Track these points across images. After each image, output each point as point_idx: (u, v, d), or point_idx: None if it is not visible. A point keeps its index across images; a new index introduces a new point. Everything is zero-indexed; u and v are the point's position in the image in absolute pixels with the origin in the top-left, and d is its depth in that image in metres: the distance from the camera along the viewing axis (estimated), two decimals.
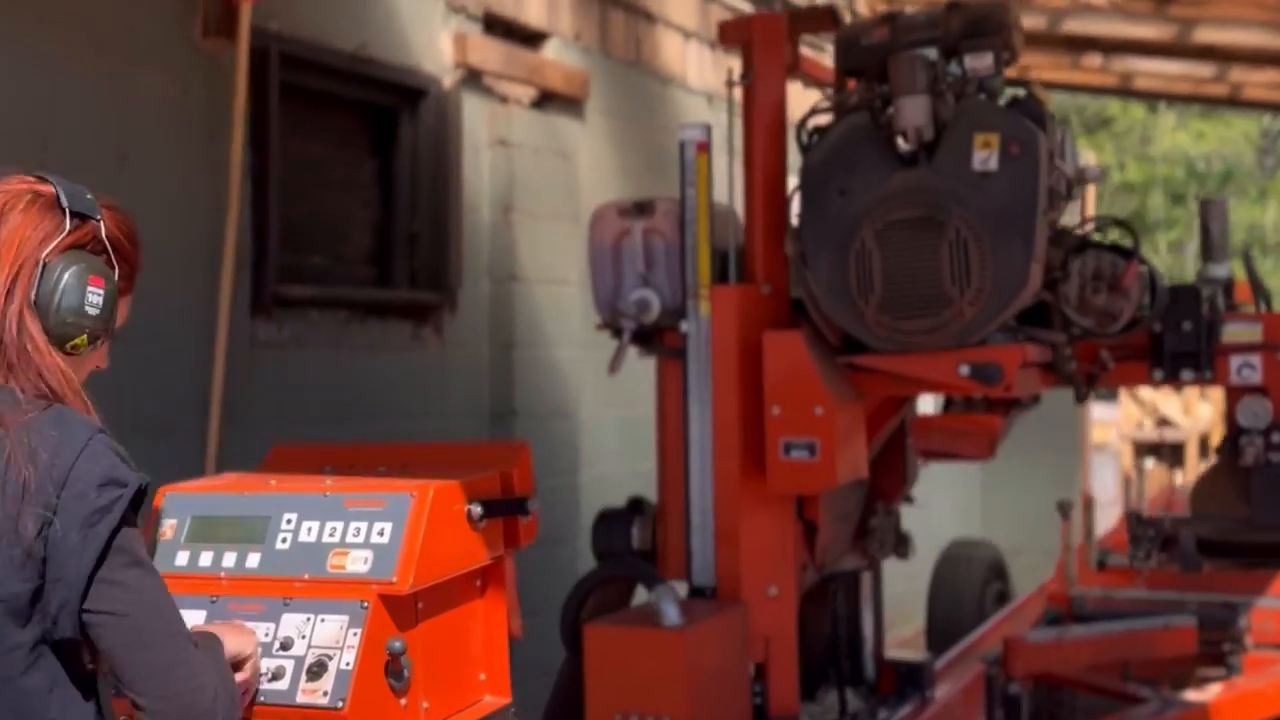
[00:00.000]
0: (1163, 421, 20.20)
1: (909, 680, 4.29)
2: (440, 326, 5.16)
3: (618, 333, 3.86)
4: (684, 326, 3.72)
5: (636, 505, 4.04)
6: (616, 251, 3.87)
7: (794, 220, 3.65)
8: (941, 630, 7.36)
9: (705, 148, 3.69)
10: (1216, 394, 20.64)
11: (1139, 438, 18.67)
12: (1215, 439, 20.55)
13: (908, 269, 3.35)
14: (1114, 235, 3.70)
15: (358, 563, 2.11)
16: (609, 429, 5.92)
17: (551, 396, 5.60)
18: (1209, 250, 3.96)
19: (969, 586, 7.49)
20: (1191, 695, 4.74)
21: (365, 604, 2.07)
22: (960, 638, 7.35)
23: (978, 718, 4.50)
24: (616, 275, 3.86)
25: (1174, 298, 3.62)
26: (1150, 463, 19.96)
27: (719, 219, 3.77)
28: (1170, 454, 20.33)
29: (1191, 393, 20.07)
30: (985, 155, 3.31)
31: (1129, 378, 3.73)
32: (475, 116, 5.34)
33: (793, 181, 3.69)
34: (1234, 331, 3.65)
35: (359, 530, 2.14)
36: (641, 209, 3.84)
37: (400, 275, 5.10)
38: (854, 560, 4.08)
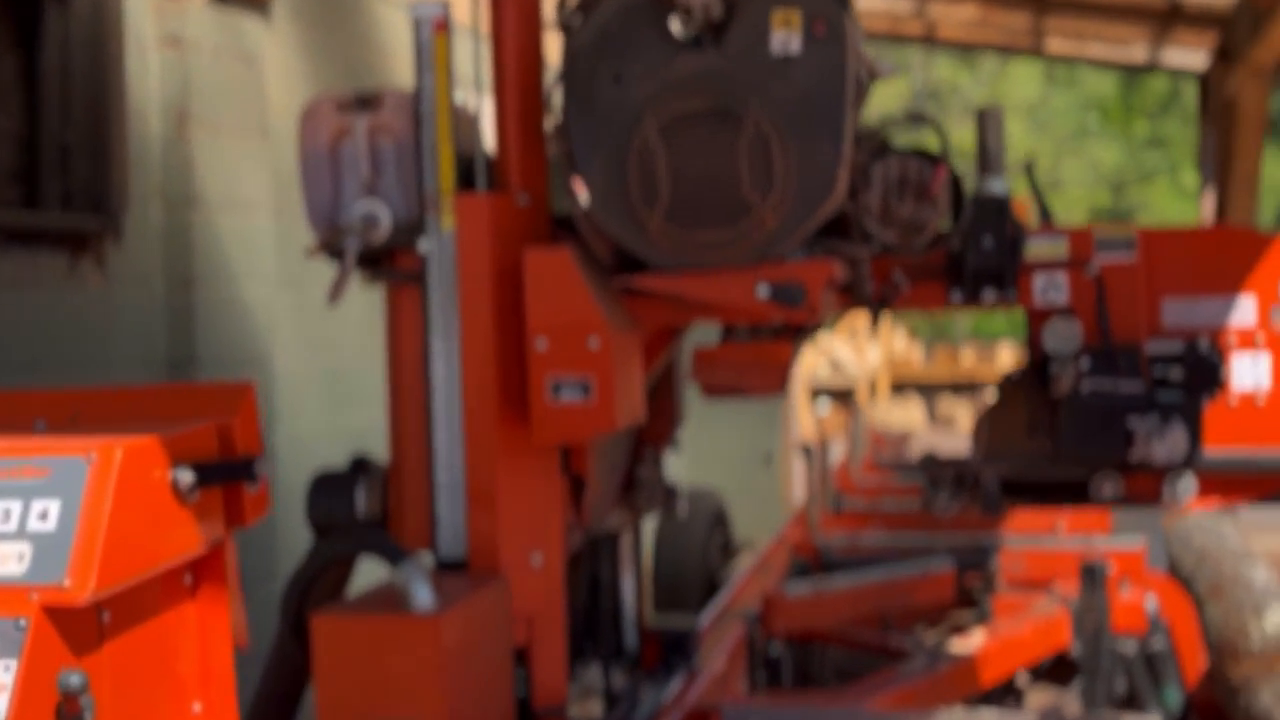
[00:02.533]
0: (835, 365, 20.75)
1: (674, 650, 3.79)
2: (102, 258, 4.28)
3: (337, 255, 3.17)
4: (422, 245, 3.06)
5: (361, 465, 3.37)
6: (335, 155, 3.16)
7: (557, 116, 3.04)
8: (669, 587, 6.97)
9: (444, 27, 3.03)
10: (885, 332, 21.33)
11: (815, 382, 19.07)
12: (884, 383, 21.32)
13: (699, 171, 2.81)
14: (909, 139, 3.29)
15: (9, 562, 1.42)
16: (309, 380, 5.17)
17: (240, 342, 4.80)
18: (985, 162, 3.59)
19: (694, 538, 7.12)
20: (955, 646, 4.48)
21: (22, 622, 1.41)
22: (687, 594, 6.98)
23: (744, 682, 4.09)
24: (335, 184, 3.16)
25: (976, 210, 3.22)
26: (827, 405, 20.53)
27: (463, 119, 3.12)
28: (843, 398, 20.91)
29: (862, 334, 20.66)
30: (785, 36, 2.80)
31: (925, 300, 3.33)
32: (140, 8, 4.45)
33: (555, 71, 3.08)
34: (1038, 248, 3.30)
35: (8, 514, 1.45)
36: (365, 102, 3.14)
37: (51, 196, 4.19)
38: (619, 517, 3.54)
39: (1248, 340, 3.25)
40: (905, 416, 19.95)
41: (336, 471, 3.36)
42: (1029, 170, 3.71)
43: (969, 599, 5.04)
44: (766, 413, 11.43)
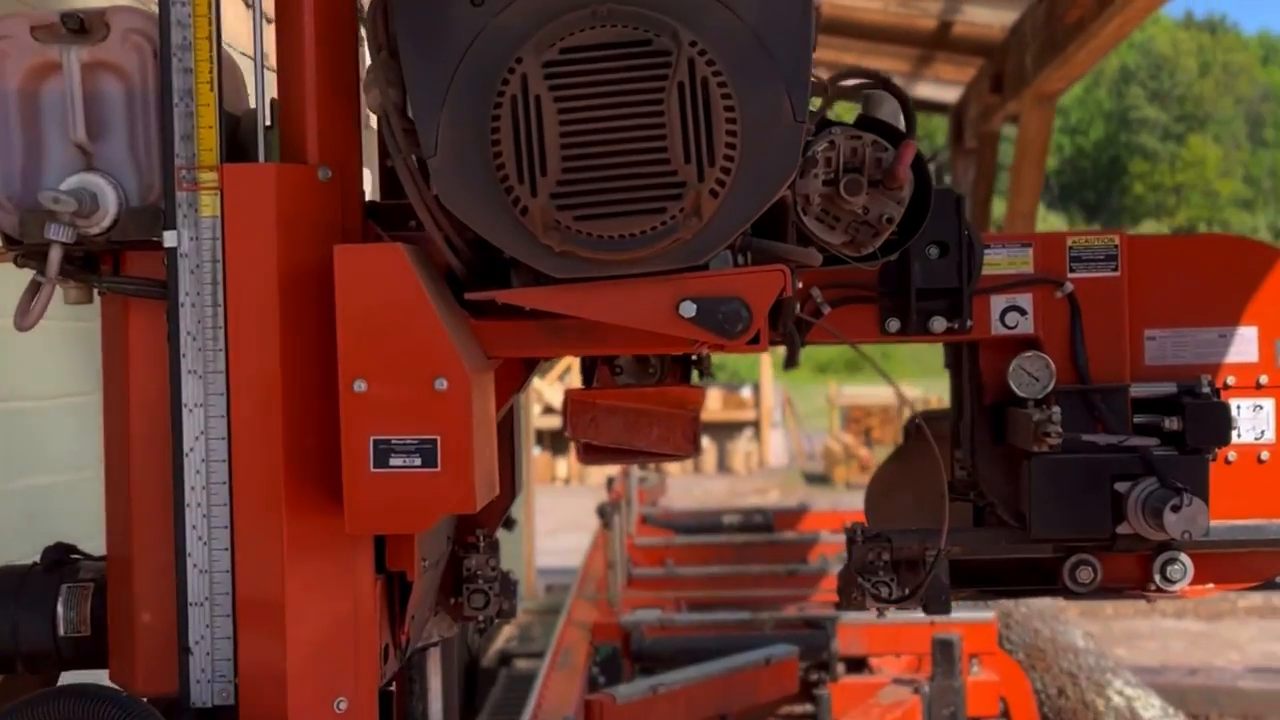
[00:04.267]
0: (548, 409, 20.05)
1: None
2: None
3: (31, 256, 2.11)
4: (169, 239, 2.05)
5: (61, 560, 2.31)
6: (30, 102, 2.11)
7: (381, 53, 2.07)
8: None
9: None
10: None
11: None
12: None
13: (604, 132, 1.91)
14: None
15: None
16: None
17: None
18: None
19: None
20: None
21: None
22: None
23: None
24: (31, 146, 2.11)
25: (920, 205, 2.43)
26: (536, 449, 19.80)
27: (229, 68, 2.14)
28: (552, 441, 20.23)
29: (574, 378, 20.04)
30: None
31: (851, 329, 2.52)
32: None
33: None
34: (994, 260, 2.55)
35: None
36: (79, 25, 2.10)
37: None
38: (442, 626, 2.57)
39: (1248, 381, 2.58)
40: None
41: (19, 570, 2.29)
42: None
43: (808, 688, 4.30)
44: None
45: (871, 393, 23.37)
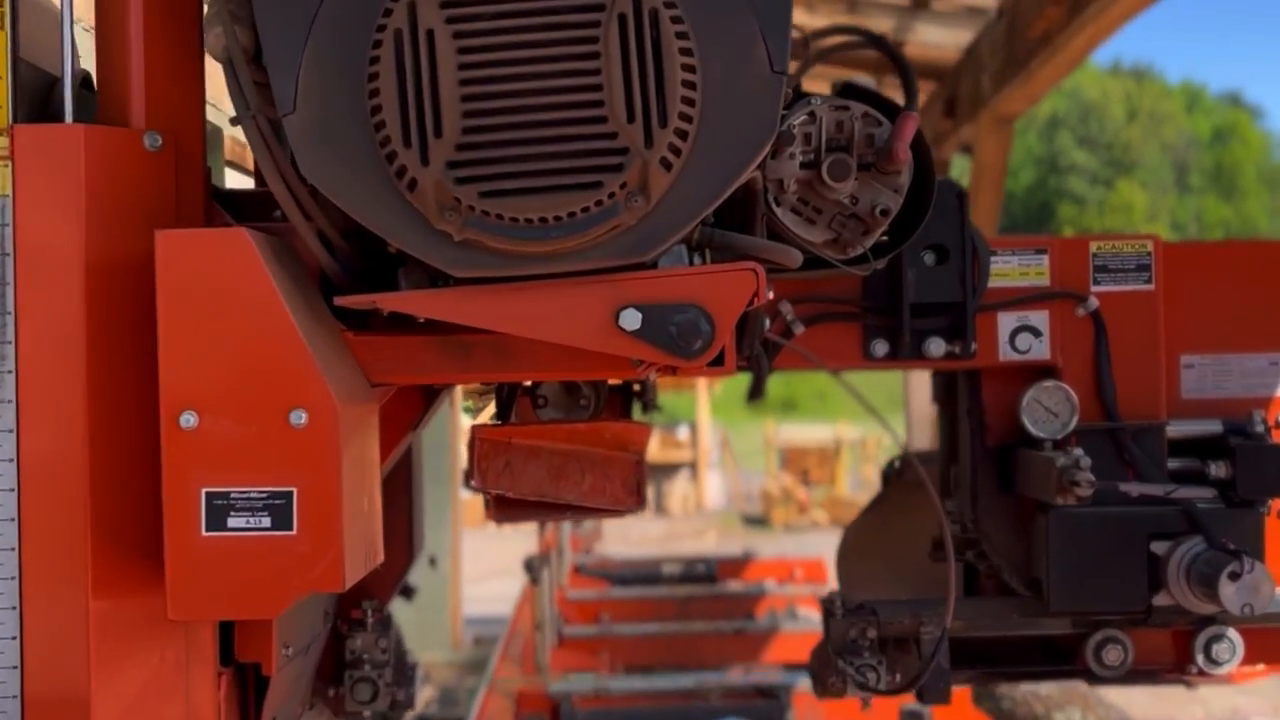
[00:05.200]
0: None
1: None
2: None
3: None
4: None
5: None
6: None
7: None
8: None
9: None
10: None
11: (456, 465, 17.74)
12: None
13: (522, 78, 1.42)
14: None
15: None
16: None
17: None
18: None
19: None
20: None
21: None
22: None
23: None
24: None
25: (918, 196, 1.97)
26: (466, 492, 19.27)
27: (37, 12, 1.64)
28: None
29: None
30: None
31: (829, 352, 2.05)
32: None
33: None
34: (1003, 270, 2.09)
35: None
36: None
37: None
38: None
39: None
40: None
41: None
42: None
43: None
44: (430, 504, 9.91)
45: (809, 433, 23.01)
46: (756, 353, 1.93)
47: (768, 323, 2.00)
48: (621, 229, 1.46)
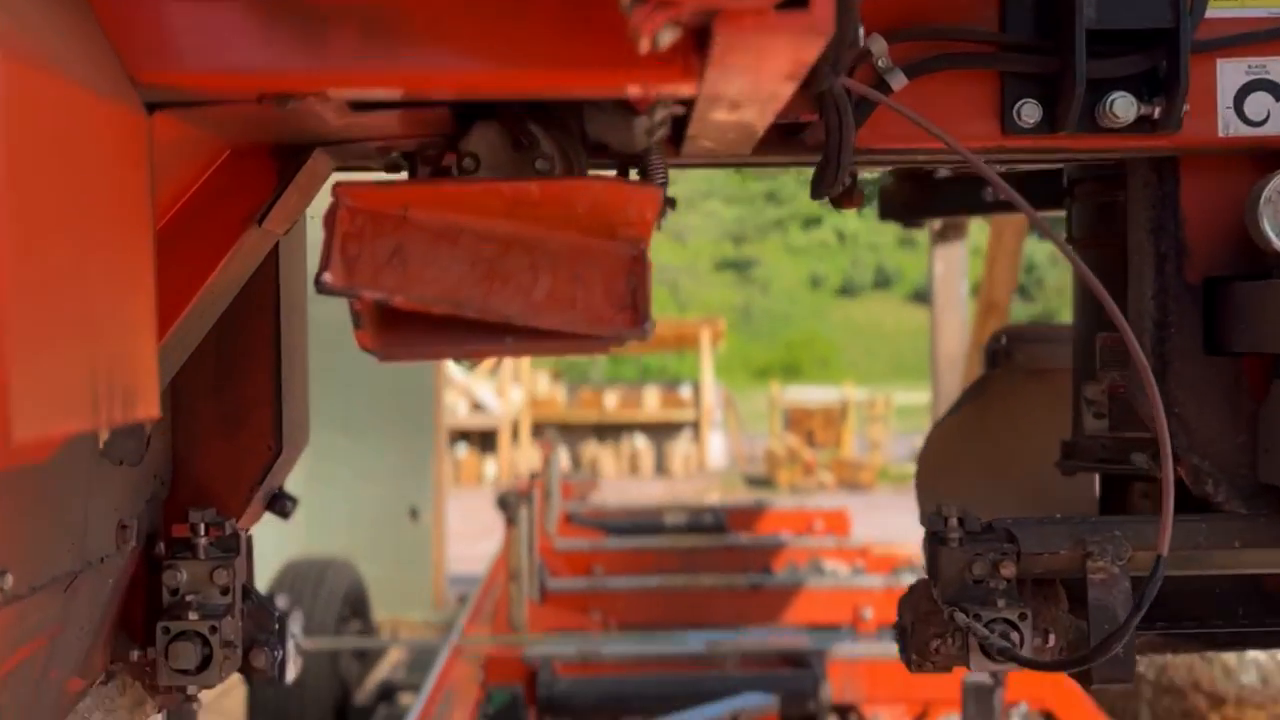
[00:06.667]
0: (477, 406, 18.82)
1: None
2: None
3: None
4: None
5: None
6: None
7: None
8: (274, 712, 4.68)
9: None
10: (526, 372, 19.66)
11: (452, 423, 17.09)
12: (526, 425, 19.72)
13: None
14: None
15: None
16: None
17: None
18: None
19: (318, 636, 4.84)
20: None
21: None
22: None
23: None
24: None
25: None
26: (463, 449, 18.58)
27: None
28: (481, 441, 19.02)
29: (505, 374, 18.80)
30: None
31: (950, 119, 1.28)
32: None
33: None
34: None
35: None
36: None
37: None
38: (111, 706, 1.27)
39: None
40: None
41: None
42: None
43: None
44: (411, 453, 9.16)
45: (814, 394, 22.32)
46: (829, 107, 1.15)
47: (848, 68, 1.21)
48: None
